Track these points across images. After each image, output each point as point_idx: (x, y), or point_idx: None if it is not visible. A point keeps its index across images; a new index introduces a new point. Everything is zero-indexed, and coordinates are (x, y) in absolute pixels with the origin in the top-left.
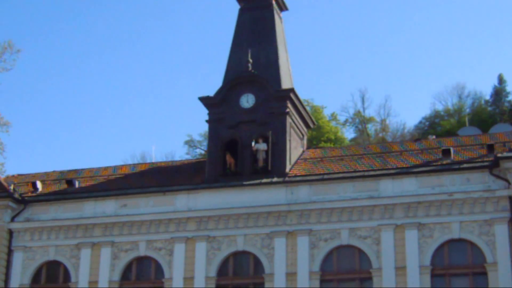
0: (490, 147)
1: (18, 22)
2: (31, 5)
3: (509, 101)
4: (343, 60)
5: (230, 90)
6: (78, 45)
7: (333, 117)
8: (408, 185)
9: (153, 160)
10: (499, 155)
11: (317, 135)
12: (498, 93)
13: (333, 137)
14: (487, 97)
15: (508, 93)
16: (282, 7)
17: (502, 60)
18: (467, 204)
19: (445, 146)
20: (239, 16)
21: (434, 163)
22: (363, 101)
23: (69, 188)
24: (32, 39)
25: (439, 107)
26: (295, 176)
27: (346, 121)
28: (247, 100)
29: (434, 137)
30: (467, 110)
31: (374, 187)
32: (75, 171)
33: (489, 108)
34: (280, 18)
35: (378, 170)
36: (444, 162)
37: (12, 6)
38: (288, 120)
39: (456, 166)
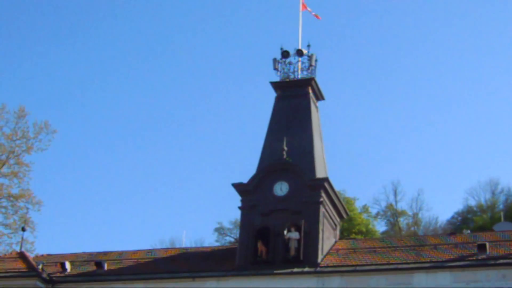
0: None
1: (54, 102)
2: (67, 85)
3: None
4: (376, 152)
5: (264, 177)
6: (111, 127)
7: (365, 209)
8: (442, 280)
9: (183, 246)
10: None
11: (348, 227)
12: None
13: (364, 230)
14: None
15: None
16: (319, 97)
17: None
18: None
19: (480, 241)
20: (275, 104)
21: (469, 258)
22: (395, 194)
23: (97, 270)
24: (68, 119)
25: (472, 203)
26: (327, 266)
27: (377, 214)
28: (281, 188)
29: (469, 231)
30: (501, 206)
31: (407, 280)
32: (104, 253)
33: None
34: (316, 107)
35: (412, 263)
36: (480, 257)
37: (49, 86)
38: (322, 209)
39: (492, 262)
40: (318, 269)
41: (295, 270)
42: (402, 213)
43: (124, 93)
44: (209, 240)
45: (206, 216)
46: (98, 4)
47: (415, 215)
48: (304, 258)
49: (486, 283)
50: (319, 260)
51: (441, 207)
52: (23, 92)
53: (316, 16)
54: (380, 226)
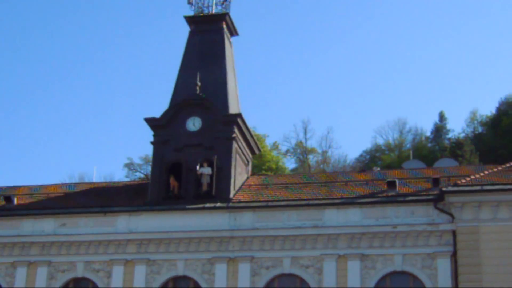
0: (435, 181)
1: None
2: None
3: (449, 138)
4: (287, 90)
5: (177, 112)
6: (20, 59)
7: (275, 146)
8: (353, 216)
9: (94, 181)
10: (444, 189)
11: (258, 163)
12: (439, 130)
13: (274, 167)
14: (428, 134)
15: (449, 130)
16: (233, 32)
17: (443, 98)
18: (411, 237)
19: (390, 178)
20: (188, 39)
21: (379, 195)
22: (305, 132)
23: (6, 204)
24: None
25: (380, 141)
26: (239, 202)
27: (287, 151)
28: (194, 123)
29: (378, 169)
30: (408, 146)
31: (318, 216)
32: (13, 188)
33: (429, 145)
34: (230, 42)
35: (323, 199)
36: (389, 194)
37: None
38: (234, 145)
39: (401, 199)
40: (230, 204)
41: (207, 205)
42: (312, 150)
43: (36, 19)
44: (119, 176)
45: (116, 152)
46: None
47: (324, 153)
48: (216, 193)
49: (395, 219)
50: (231, 195)
51: (350, 146)
52: None
53: None
54: (289, 164)
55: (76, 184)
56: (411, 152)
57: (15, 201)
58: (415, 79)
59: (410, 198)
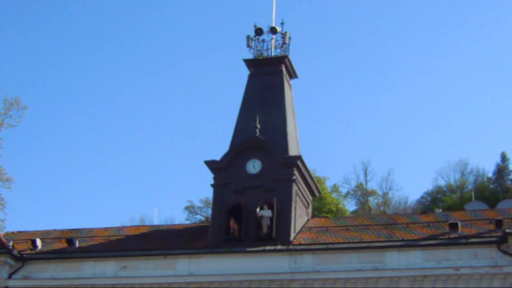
0: (498, 223)
1: (25, 78)
2: (38, 62)
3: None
4: (347, 132)
5: (236, 155)
6: (82, 105)
7: (335, 188)
8: (414, 258)
9: (155, 223)
10: (507, 230)
11: (318, 206)
12: (501, 170)
13: (334, 209)
14: (490, 175)
15: (511, 171)
16: (292, 75)
17: (505, 138)
18: (474, 279)
19: (452, 220)
20: (248, 82)
21: (441, 237)
22: (365, 174)
23: (69, 247)
24: (39, 96)
25: (441, 183)
26: (300, 244)
27: (347, 193)
28: (254, 166)
29: (440, 211)
30: (470, 187)
31: (379, 258)
32: (76, 230)
33: (492, 186)
34: (290, 85)
35: (384, 241)
36: (451, 236)
37: (20, 62)
38: (294, 187)
39: (464, 241)
40: (291, 247)
41: (268, 248)
42: (372, 192)
43: (96, 70)
44: (179, 218)
45: (177, 194)
46: None
47: (385, 194)
48: (276, 236)
49: (458, 261)
50: (291, 238)
51: (411, 187)
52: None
53: None
54: (350, 206)
55: (137, 227)
56: (473, 194)
57: (77, 244)
58: (477, 119)
59: (472, 240)
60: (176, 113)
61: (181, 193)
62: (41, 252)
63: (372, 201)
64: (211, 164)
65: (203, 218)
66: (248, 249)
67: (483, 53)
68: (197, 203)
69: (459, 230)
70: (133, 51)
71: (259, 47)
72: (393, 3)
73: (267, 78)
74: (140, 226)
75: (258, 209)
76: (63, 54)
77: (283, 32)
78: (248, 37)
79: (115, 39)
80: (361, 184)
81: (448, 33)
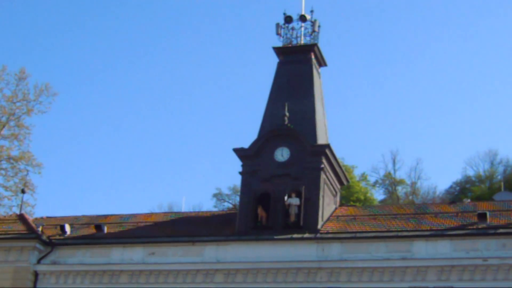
0: None
1: (56, 65)
2: (68, 48)
3: None
4: (376, 121)
5: (265, 142)
6: (113, 92)
7: (363, 177)
8: (442, 248)
9: (183, 210)
10: None
11: (346, 194)
12: None
13: (362, 198)
14: None
15: None
16: (321, 63)
17: None
18: (502, 270)
19: (481, 210)
20: (277, 69)
21: (469, 227)
22: (394, 163)
23: (97, 233)
24: (68, 82)
25: (471, 173)
26: (327, 233)
27: (376, 182)
28: (282, 154)
29: (469, 201)
30: (499, 177)
31: (407, 248)
32: (104, 216)
33: None
34: (319, 73)
35: (412, 231)
36: (480, 226)
37: (50, 48)
38: (322, 176)
39: (492, 231)
40: (318, 235)
41: (295, 236)
42: (400, 182)
43: (125, 56)
44: (207, 205)
45: (205, 182)
46: None
47: (413, 184)
48: (304, 224)
49: (486, 252)
50: (319, 226)
51: (439, 177)
52: (24, 54)
53: None
54: (378, 195)
55: (165, 213)
56: (502, 184)
57: (106, 230)
58: (507, 109)
59: (501, 230)
60: (206, 101)
61: (210, 181)
62: (69, 238)
63: (401, 190)
64: (239, 152)
65: (231, 206)
66: (275, 237)
67: None
68: (225, 191)
69: (488, 220)
70: (167, 37)
71: (288, 35)
72: None
73: (296, 66)
74: (168, 212)
75: (286, 197)
76: (94, 40)
77: (313, 20)
78: (277, 25)
79: (143, 23)
80: (389, 173)
81: (478, 17)
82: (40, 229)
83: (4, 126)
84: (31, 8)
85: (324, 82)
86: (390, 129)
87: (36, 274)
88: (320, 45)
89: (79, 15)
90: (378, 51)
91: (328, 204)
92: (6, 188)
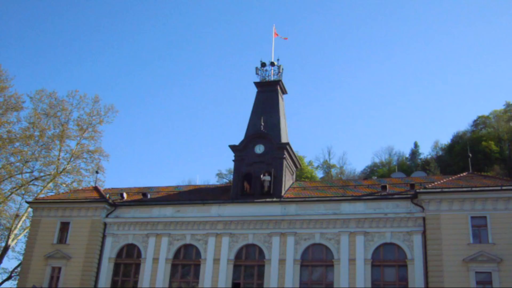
0: (412, 186)
1: (117, 92)
2: (129, 76)
3: (421, 158)
4: (317, 128)
5: (249, 141)
6: (157, 112)
7: (310, 163)
8: (359, 207)
9: (198, 184)
10: (417, 190)
11: (299, 174)
12: (414, 153)
13: (309, 176)
14: (407, 155)
15: (420, 153)
16: (284, 92)
17: (417, 132)
18: (396, 221)
19: (383, 184)
20: (256, 96)
21: (376, 194)
22: (329, 154)
23: (143, 198)
24: (128, 103)
25: (377, 160)
26: (287, 198)
27: (318, 166)
28: (259, 148)
29: (375, 177)
30: (394, 163)
31: (337, 207)
32: (148, 188)
33: (408, 162)
34: (282, 98)
35: (340, 196)
36: (383, 193)
37: (116, 77)
38: (284, 162)
39: (390, 197)
40: (282, 199)
41: (267, 200)
42: (333, 166)
43: (161, 84)
44: (213, 181)
45: (211, 166)
46: None
47: (341, 167)
48: (273, 192)
49: (386, 209)
50: (282, 193)
51: (357, 163)
52: (97, 83)
53: (284, 38)
54: (319, 174)
55: (186, 186)
56: (396, 167)
57: (148, 196)
58: (400, 116)
59: (396, 196)
60: (212, 116)
61: (214, 165)
62: (126, 201)
63: (333, 171)
64: (233, 147)
65: (227, 181)
66: (255, 200)
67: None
68: (224, 172)
69: (387, 190)
70: (180, 76)
71: (263, 74)
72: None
73: (268, 94)
74: (188, 185)
75: (261, 176)
76: (144, 61)
77: (279, 65)
78: (256, 68)
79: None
80: (326, 160)
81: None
82: (107, 196)
83: (85, 131)
84: (100, 45)
85: (285, 104)
86: (327, 133)
87: (105, 224)
88: (283, 80)
89: (135, 49)
90: (319, 84)
91: (288, 180)
92: (86, 170)
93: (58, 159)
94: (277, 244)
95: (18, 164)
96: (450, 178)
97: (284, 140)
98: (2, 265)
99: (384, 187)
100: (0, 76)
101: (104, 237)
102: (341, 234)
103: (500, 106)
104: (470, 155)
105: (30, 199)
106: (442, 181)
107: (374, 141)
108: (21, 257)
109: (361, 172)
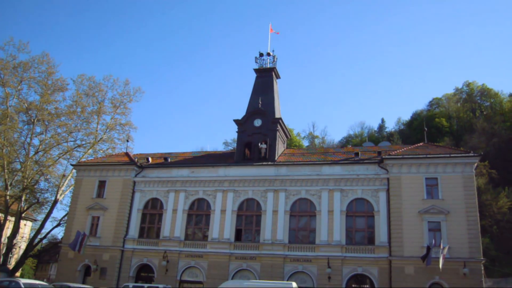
0: (379, 153)
1: (145, 74)
2: (154, 61)
3: (386, 131)
4: (305, 107)
5: (249, 116)
6: (175, 91)
7: (298, 134)
8: (337, 169)
9: (208, 150)
10: (383, 156)
11: (290, 143)
12: (381, 127)
13: (297, 144)
14: (376, 129)
15: (386, 127)
16: (277, 76)
17: (384, 110)
18: (366, 180)
19: (356, 151)
20: (256, 80)
21: (350, 159)
22: (313, 127)
23: (165, 162)
24: (151, 85)
25: (351, 132)
26: (280, 161)
27: (304, 137)
28: (258, 122)
29: (350, 146)
30: (365, 135)
31: (319, 169)
32: (169, 153)
33: (376, 134)
34: (276, 82)
35: (321, 161)
36: (356, 159)
37: (143, 62)
38: (277, 134)
39: (362, 161)
40: (275, 163)
41: (264, 163)
42: (316, 137)
43: (181, 72)
44: (220, 148)
45: (219, 136)
46: None
47: (323, 138)
48: (268, 157)
49: (358, 171)
50: (276, 158)
51: (336, 134)
52: (128, 67)
53: (277, 32)
54: (305, 143)
55: (199, 152)
56: (367, 138)
57: (169, 160)
58: (371, 97)
59: (366, 161)
60: (221, 96)
61: (222, 136)
62: (151, 164)
63: (316, 141)
64: (236, 121)
65: (232, 148)
66: (254, 164)
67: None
68: (229, 141)
69: (360, 155)
70: (193, 74)
71: (261, 62)
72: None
73: (265, 78)
74: (200, 151)
75: (259, 144)
76: (169, 57)
77: (274, 55)
78: (255, 57)
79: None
80: (311, 132)
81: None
82: (136, 159)
83: (117, 108)
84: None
85: (279, 86)
86: (312, 110)
87: (134, 182)
88: (277, 68)
89: (163, 37)
90: (306, 71)
91: (280, 148)
92: (119, 139)
93: (96, 130)
94: (271, 198)
95: (64, 134)
96: (410, 147)
97: (277, 115)
98: (53, 214)
99: (356, 154)
100: (48, 63)
101: (133, 192)
102: (322, 191)
103: (450, 90)
104: (426, 129)
105: (74, 162)
106: (403, 150)
107: (349, 117)
108: (67, 209)
109: (339, 142)
